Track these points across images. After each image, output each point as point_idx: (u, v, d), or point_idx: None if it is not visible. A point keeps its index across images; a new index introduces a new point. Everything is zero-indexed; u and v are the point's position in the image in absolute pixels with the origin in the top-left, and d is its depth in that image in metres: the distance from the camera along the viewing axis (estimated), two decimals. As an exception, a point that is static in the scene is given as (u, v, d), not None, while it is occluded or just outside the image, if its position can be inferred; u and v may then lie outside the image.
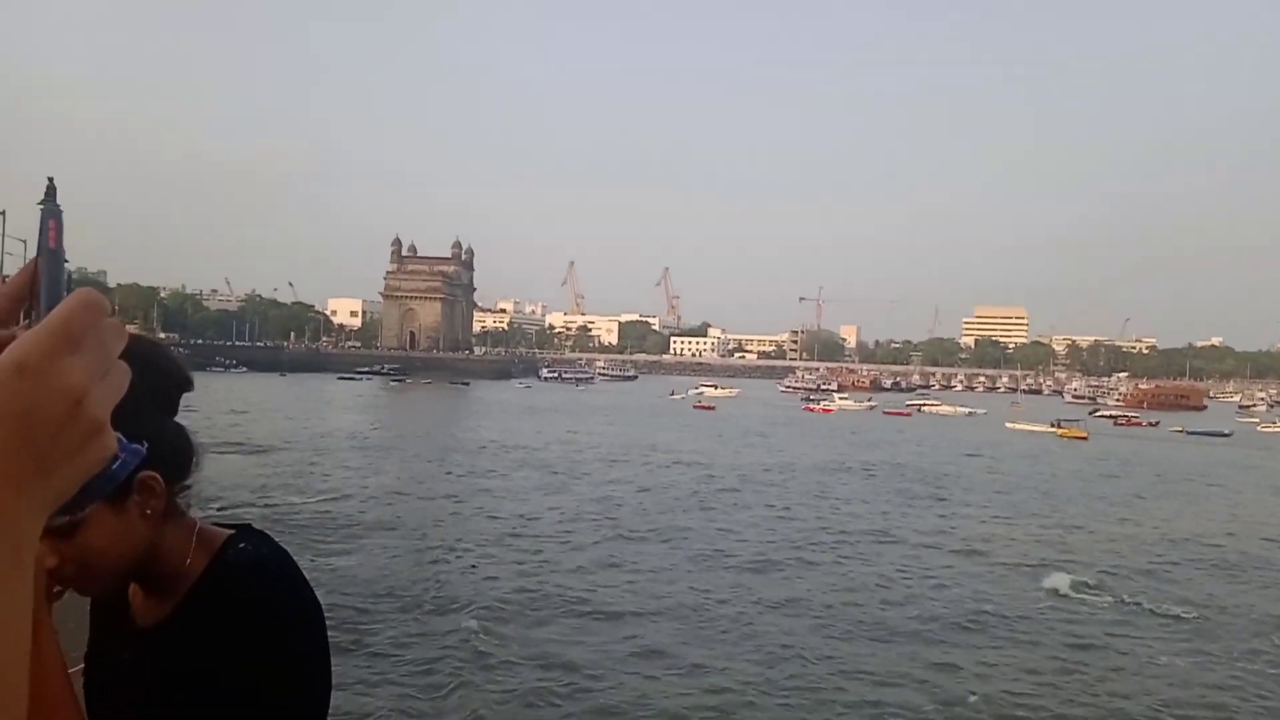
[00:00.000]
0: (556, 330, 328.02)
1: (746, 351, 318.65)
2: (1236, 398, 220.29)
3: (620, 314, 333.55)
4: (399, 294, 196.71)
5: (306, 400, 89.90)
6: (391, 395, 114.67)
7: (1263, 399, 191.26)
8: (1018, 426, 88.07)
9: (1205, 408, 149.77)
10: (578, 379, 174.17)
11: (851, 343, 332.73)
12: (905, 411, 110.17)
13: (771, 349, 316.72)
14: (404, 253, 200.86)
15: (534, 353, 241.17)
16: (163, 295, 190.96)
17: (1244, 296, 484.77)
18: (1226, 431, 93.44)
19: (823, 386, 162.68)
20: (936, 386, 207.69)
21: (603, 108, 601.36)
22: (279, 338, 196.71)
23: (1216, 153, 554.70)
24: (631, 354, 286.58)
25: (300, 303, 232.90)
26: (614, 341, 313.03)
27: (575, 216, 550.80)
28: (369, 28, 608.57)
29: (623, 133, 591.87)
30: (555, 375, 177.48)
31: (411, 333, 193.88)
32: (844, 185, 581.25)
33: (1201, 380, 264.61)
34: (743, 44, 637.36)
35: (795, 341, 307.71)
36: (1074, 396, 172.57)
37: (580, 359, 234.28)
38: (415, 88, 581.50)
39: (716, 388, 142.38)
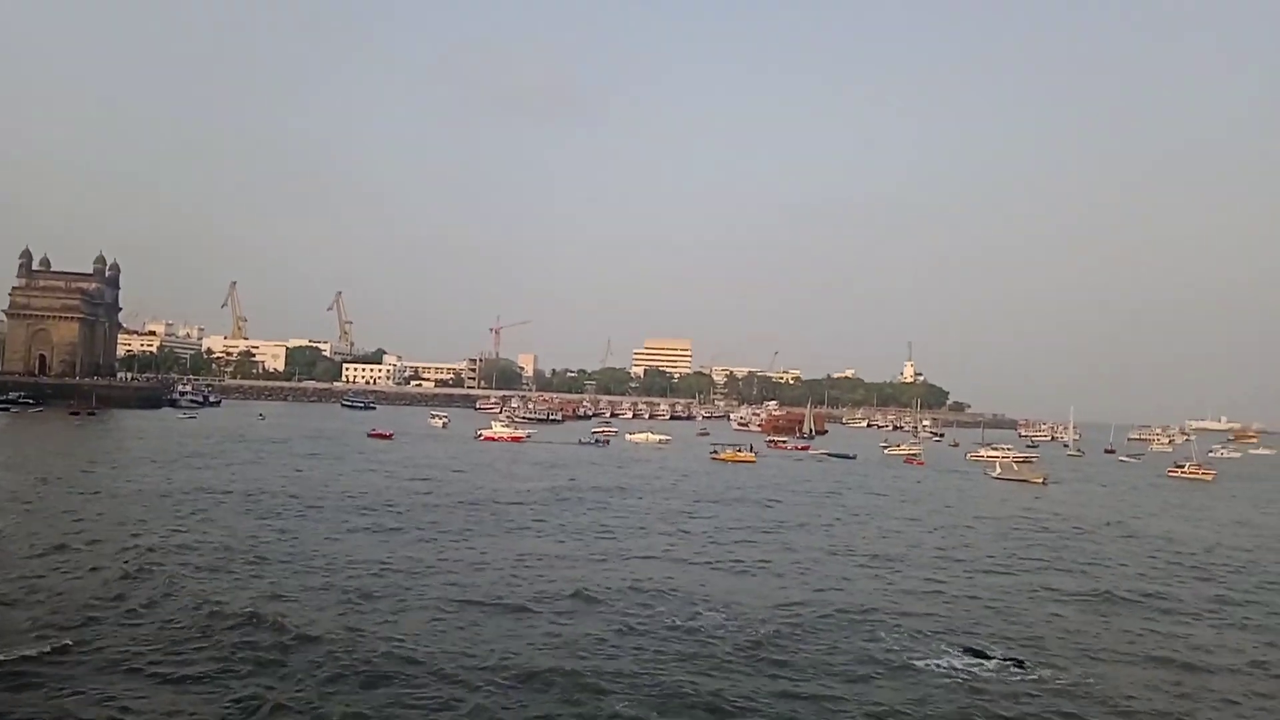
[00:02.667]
0: (215, 355, 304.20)
1: (424, 379, 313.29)
2: (864, 423, 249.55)
3: (288, 339, 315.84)
4: (28, 312, 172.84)
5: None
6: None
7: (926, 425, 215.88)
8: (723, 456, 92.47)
9: (826, 432, 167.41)
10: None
11: (529, 371, 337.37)
12: (593, 440, 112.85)
13: (450, 377, 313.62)
14: (35, 266, 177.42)
15: (188, 379, 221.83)
16: None
17: (873, 334, 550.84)
18: (852, 455, 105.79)
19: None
20: (608, 414, 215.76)
21: (265, 111, 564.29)
22: None
23: (853, 209, 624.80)
24: (300, 380, 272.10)
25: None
26: (280, 367, 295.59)
27: (238, 234, 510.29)
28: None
29: (295, 144, 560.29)
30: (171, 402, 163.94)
31: (42, 355, 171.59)
32: (522, 215, 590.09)
33: (837, 407, 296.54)
34: (420, 61, 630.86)
35: (474, 369, 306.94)
36: (739, 424, 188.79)
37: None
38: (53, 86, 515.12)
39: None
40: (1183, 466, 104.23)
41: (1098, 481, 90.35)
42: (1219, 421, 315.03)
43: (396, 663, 20.13)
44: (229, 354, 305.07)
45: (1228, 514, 63.42)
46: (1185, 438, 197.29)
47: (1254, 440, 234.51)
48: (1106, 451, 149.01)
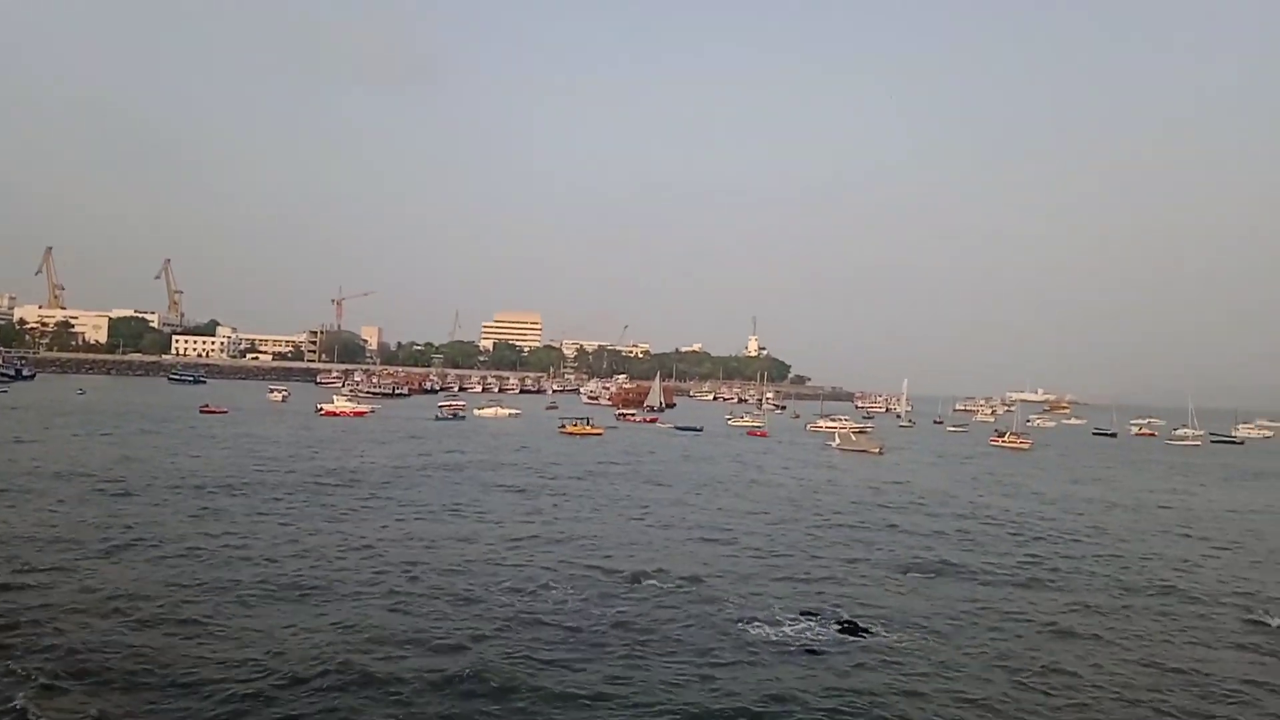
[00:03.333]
0: (29, 326, 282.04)
1: (261, 352, 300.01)
2: (711, 396, 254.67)
3: (111, 309, 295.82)
4: None
5: None
6: None
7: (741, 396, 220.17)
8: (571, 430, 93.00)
9: (675, 405, 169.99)
10: None
11: (373, 344, 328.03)
12: (449, 415, 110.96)
13: (289, 350, 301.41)
14: None
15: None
16: None
17: (719, 309, 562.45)
18: (698, 427, 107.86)
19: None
20: (456, 388, 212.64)
21: (79, 67, 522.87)
22: None
23: (701, 189, 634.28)
24: (125, 353, 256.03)
25: None
26: (102, 339, 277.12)
27: (54, 196, 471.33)
28: None
29: (115, 102, 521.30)
30: None
31: None
32: (366, 183, 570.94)
33: (685, 381, 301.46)
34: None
35: (315, 342, 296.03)
36: (589, 397, 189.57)
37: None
38: None
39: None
40: (1003, 435, 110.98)
41: (928, 451, 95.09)
42: (1036, 393, 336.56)
43: (189, 661, 18.89)
44: (44, 325, 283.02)
45: (1042, 482, 67.83)
46: (1006, 408, 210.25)
47: (1066, 411, 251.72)
48: (935, 422, 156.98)
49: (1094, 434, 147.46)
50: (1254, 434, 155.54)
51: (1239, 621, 26.01)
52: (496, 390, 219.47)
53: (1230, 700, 19.40)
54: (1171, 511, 52.11)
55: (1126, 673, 20.94)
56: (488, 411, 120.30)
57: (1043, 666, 20.81)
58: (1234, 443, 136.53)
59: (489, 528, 35.90)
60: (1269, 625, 25.24)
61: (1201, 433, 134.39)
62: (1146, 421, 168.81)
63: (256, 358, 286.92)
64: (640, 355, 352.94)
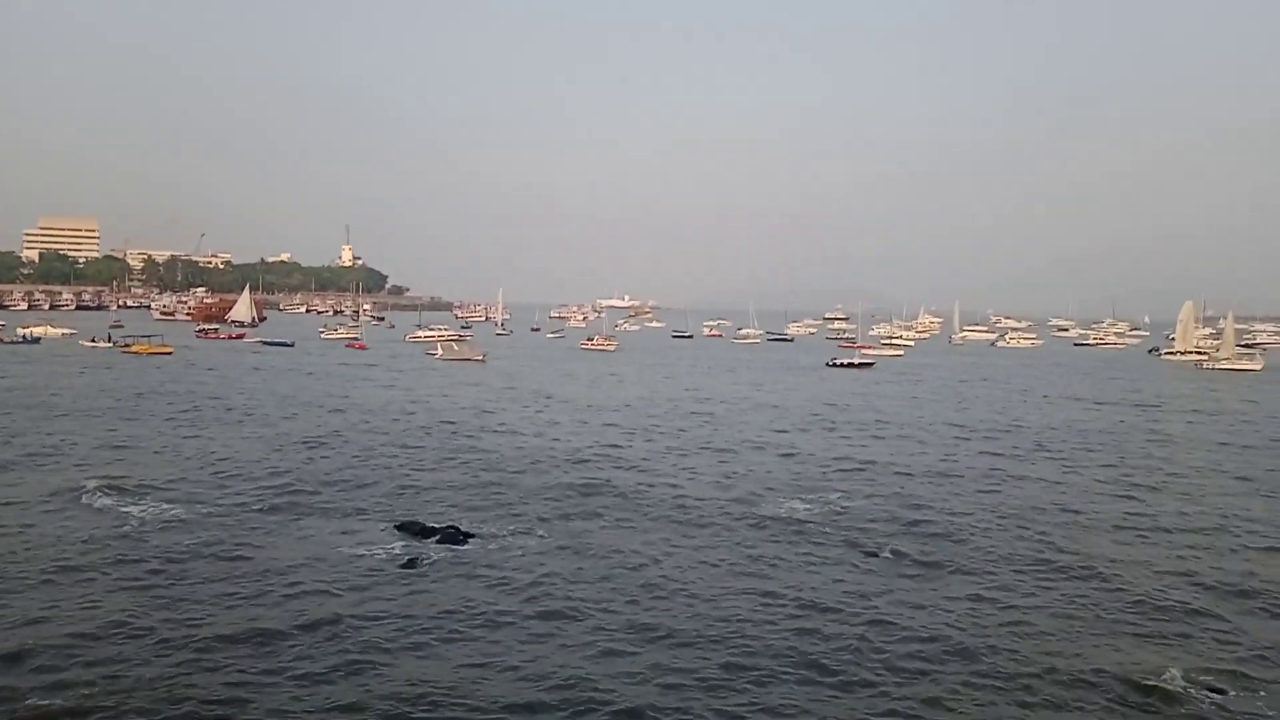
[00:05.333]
0: None
1: None
2: (303, 309, 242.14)
3: None
4: None
5: None
6: None
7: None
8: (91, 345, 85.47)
9: (265, 319, 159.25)
10: None
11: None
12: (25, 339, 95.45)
13: None
14: None
15: None
16: None
17: (310, 215, 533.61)
18: (289, 341, 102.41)
19: None
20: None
21: None
22: None
23: (291, 90, 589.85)
24: None
25: None
26: None
27: None
28: None
29: None
30: None
31: None
32: None
33: (273, 293, 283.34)
34: None
35: None
36: (162, 313, 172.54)
37: None
38: None
39: None
40: (593, 339, 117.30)
41: (526, 357, 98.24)
42: (623, 299, 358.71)
43: None
44: None
45: (623, 386, 72.78)
46: (597, 315, 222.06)
47: (649, 315, 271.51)
48: (533, 330, 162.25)
49: (673, 336, 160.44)
50: (801, 332, 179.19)
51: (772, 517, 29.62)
52: (47, 307, 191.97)
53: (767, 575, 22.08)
54: (739, 406, 58.24)
55: (685, 566, 23.18)
56: (37, 330, 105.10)
57: (642, 575, 22.27)
58: (786, 340, 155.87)
59: (48, 459, 31.39)
60: (813, 526, 29.03)
61: (761, 332, 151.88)
62: (716, 323, 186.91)
63: None
64: (221, 266, 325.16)
